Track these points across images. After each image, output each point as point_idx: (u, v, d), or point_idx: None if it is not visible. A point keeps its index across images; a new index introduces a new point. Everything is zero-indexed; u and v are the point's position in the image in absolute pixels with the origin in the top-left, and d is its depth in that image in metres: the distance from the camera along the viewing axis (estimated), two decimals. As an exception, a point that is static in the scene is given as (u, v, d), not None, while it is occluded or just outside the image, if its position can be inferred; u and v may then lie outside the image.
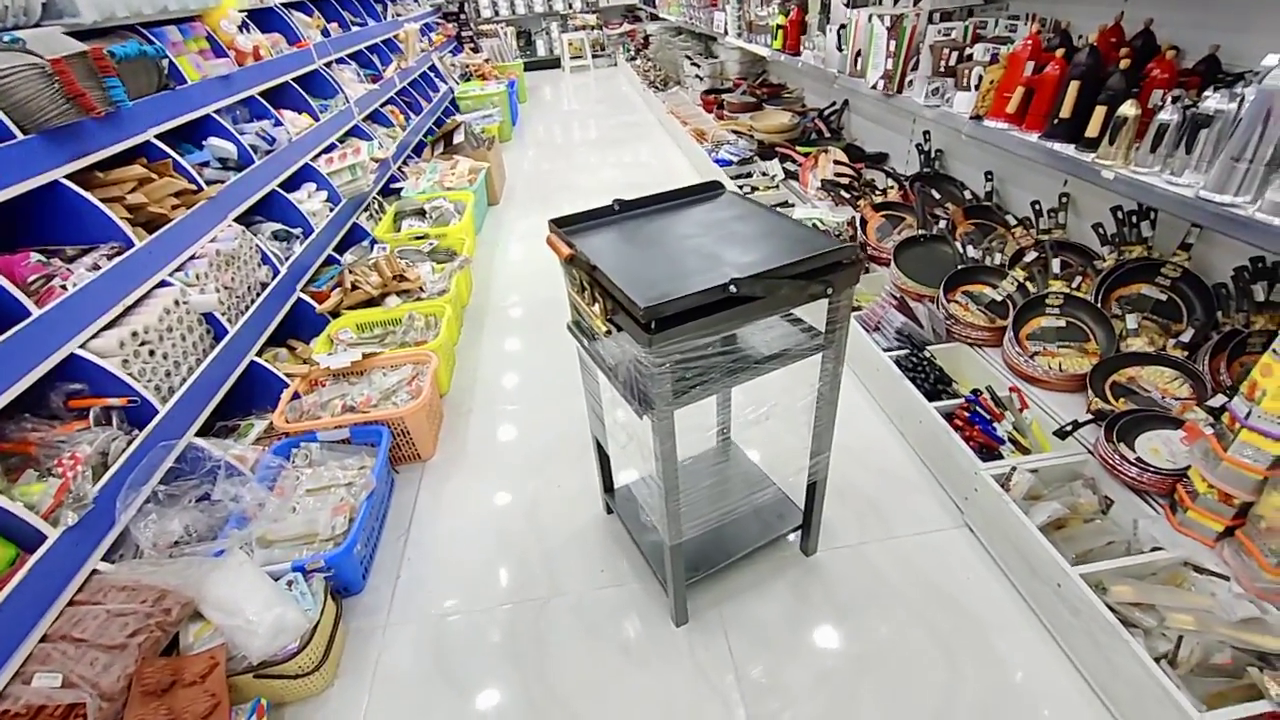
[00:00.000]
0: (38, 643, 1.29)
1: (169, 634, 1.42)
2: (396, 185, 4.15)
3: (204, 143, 2.54)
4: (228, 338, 2.10)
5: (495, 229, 4.35)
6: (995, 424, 1.93)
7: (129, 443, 1.62)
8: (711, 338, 1.17)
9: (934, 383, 2.10)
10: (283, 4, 3.63)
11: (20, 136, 1.67)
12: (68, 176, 1.80)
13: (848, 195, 3.11)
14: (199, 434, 2.06)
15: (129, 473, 1.57)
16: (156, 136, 2.22)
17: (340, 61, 4.16)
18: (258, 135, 2.76)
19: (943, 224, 2.71)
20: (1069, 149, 1.88)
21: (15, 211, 1.71)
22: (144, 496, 1.60)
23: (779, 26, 3.96)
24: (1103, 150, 1.75)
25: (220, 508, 1.76)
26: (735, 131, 4.66)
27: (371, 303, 2.81)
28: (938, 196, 2.86)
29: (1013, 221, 2.55)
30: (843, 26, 3.14)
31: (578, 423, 2.25)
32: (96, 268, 1.77)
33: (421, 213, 3.71)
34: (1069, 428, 1.78)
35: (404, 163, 4.46)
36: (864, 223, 2.92)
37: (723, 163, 4.37)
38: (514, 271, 3.73)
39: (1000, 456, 1.85)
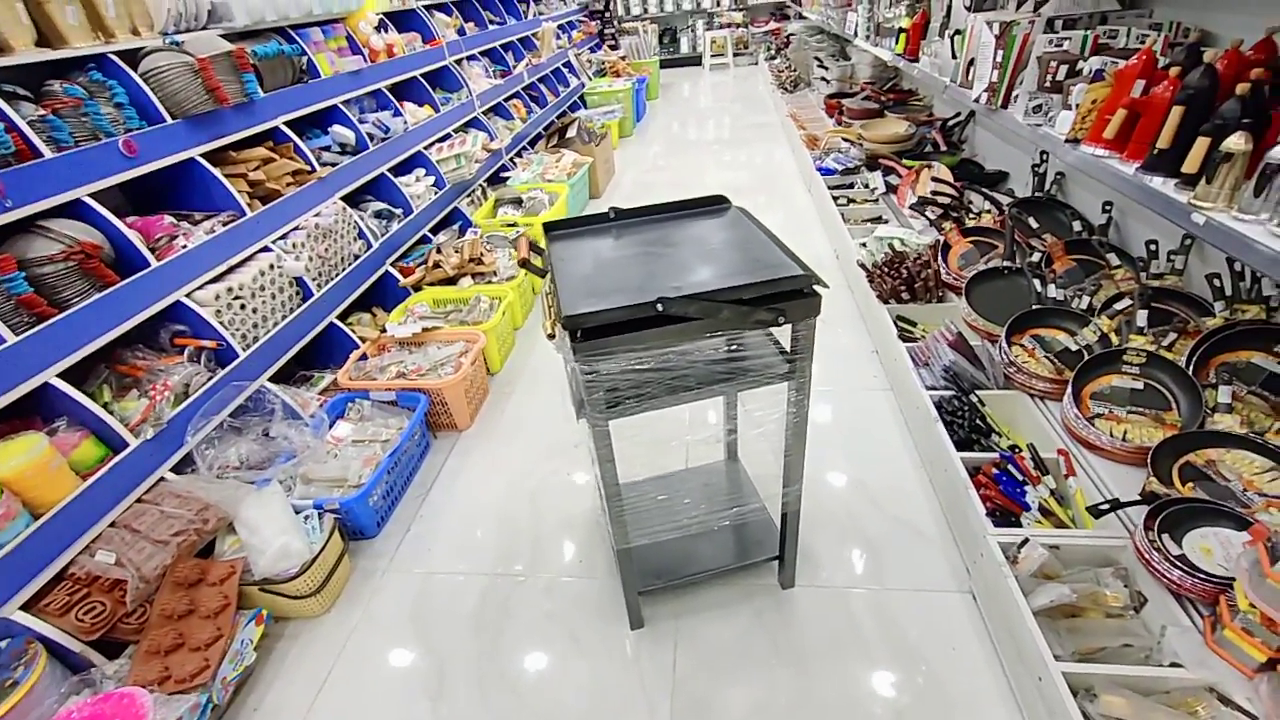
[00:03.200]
0: (108, 526, 1.63)
1: (204, 539, 1.72)
2: (506, 174, 4.46)
3: (329, 129, 2.93)
4: (311, 300, 2.43)
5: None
6: (1027, 487, 1.72)
7: (208, 379, 1.96)
8: (644, 353, 1.18)
9: (969, 430, 1.91)
10: (425, 5, 4.04)
11: (169, 121, 2.07)
12: (203, 155, 2.20)
13: (932, 217, 2.85)
14: (280, 380, 2.42)
15: (202, 403, 1.90)
16: (287, 123, 2.61)
17: (471, 58, 4.54)
18: (374, 125, 3.12)
19: (1036, 257, 2.41)
20: (1169, 185, 1.62)
21: (161, 181, 2.12)
22: (213, 425, 1.93)
23: (902, 30, 3.71)
24: (1201, 190, 1.49)
25: (276, 444, 2.07)
26: (847, 139, 4.43)
27: (450, 281, 3.08)
28: (1035, 225, 2.54)
29: (1115, 261, 2.21)
30: (958, 32, 2.88)
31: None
32: (212, 232, 2.14)
33: (518, 201, 3.97)
34: (1105, 506, 1.54)
35: (518, 153, 4.77)
36: (946, 248, 2.68)
37: (826, 171, 4.19)
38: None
39: (1020, 525, 1.64)
